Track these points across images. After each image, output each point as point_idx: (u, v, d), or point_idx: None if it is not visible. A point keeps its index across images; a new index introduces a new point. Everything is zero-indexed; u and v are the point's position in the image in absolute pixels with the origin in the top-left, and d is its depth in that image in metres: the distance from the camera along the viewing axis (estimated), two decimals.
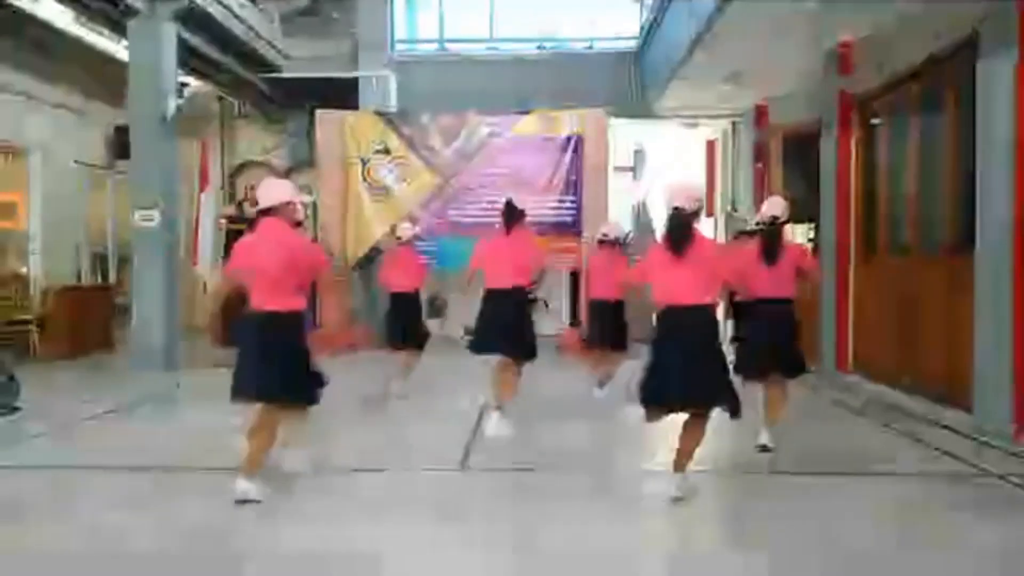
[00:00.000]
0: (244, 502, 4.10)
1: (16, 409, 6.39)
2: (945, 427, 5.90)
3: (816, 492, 4.46)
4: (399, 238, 7.49)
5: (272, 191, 4.34)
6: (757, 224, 5.52)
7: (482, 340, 5.92)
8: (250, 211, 4.15)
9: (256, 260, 4.21)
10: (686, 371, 4.09)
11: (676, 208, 4.23)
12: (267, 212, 4.27)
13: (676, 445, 4.27)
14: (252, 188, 11.40)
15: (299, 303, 4.25)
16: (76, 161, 11.29)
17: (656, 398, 4.20)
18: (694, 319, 4.14)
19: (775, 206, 5.37)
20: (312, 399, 4.40)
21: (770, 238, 5.25)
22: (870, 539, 3.71)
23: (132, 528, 3.88)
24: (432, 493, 4.46)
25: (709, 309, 4.20)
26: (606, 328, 7.10)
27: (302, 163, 13.15)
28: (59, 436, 5.82)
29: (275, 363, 4.17)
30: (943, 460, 5.10)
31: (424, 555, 3.57)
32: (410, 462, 5.07)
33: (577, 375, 7.74)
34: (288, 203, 4.33)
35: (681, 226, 4.20)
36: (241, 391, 4.22)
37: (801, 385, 7.68)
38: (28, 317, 9.43)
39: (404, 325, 7.28)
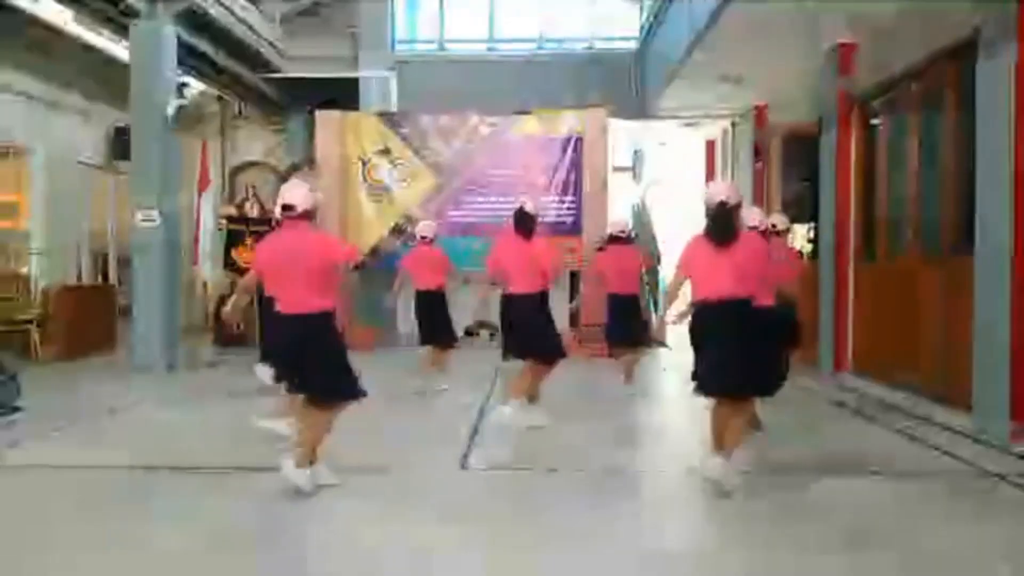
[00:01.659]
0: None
1: (17, 409, 6.39)
2: (944, 427, 5.91)
3: (815, 492, 4.46)
4: (424, 237, 7.51)
5: (306, 195, 4.33)
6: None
7: (514, 346, 6.00)
8: (277, 212, 4.21)
9: (291, 261, 4.22)
10: (725, 362, 4.21)
11: (721, 203, 4.29)
12: (301, 215, 4.28)
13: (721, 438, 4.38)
14: (255, 192, 11.46)
15: (330, 303, 4.31)
16: (77, 161, 11.31)
17: (706, 387, 4.37)
18: (737, 312, 4.22)
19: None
20: (352, 395, 4.37)
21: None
22: (869, 539, 3.72)
23: (132, 528, 3.89)
24: (432, 493, 4.47)
25: (751, 302, 4.26)
26: (626, 323, 7.18)
27: (302, 163, 13.16)
28: (60, 435, 5.83)
29: (314, 364, 4.26)
30: (942, 460, 5.10)
31: (424, 555, 3.57)
32: (411, 462, 5.07)
33: (579, 375, 7.74)
34: (315, 208, 4.41)
35: (729, 219, 4.28)
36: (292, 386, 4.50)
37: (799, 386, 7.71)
38: (29, 317, 9.44)
39: (429, 323, 7.36)
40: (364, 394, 4.36)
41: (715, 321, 4.27)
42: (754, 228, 5.32)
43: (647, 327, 7.43)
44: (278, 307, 4.30)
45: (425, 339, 7.49)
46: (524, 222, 5.89)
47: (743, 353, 4.23)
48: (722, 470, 4.27)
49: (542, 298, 5.91)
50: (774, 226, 5.96)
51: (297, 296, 4.22)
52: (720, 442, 4.39)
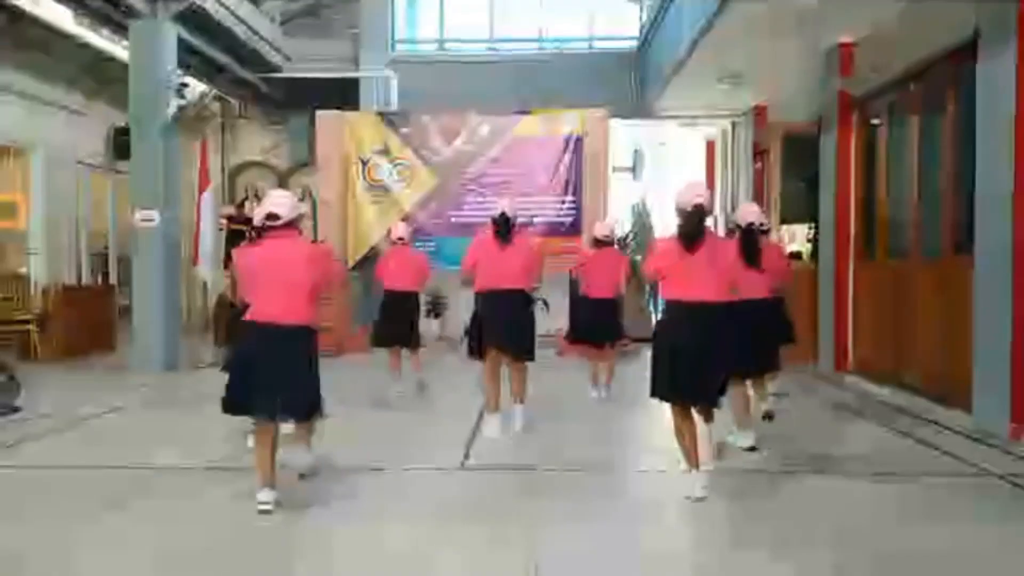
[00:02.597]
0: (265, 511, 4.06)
1: (16, 409, 6.39)
2: (945, 427, 5.91)
3: (816, 492, 4.46)
4: (400, 239, 7.48)
5: (292, 203, 4.29)
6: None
7: (484, 339, 5.79)
8: (258, 220, 4.08)
9: (275, 272, 4.13)
10: (699, 369, 4.18)
11: (698, 206, 4.26)
12: (287, 225, 4.21)
13: (693, 446, 4.33)
14: (256, 192, 11.44)
15: (314, 314, 4.24)
16: (77, 161, 11.30)
17: (668, 394, 4.31)
18: (713, 315, 4.22)
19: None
20: (311, 414, 4.33)
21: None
22: (870, 539, 3.72)
23: (132, 527, 3.89)
24: (432, 493, 4.46)
25: (724, 305, 4.27)
26: (601, 325, 7.12)
27: (302, 163, 13.16)
28: (60, 436, 5.82)
29: (292, 380, 4.10)
30: (943, 460, 5.10)
31: (424, 555, 3.57)
32: (410, 462, 5.06)
33: (576, 375, 7.74)
34: (299, 217, 4.33)
35: (701, 223, 4.27)
36: (242, 406, 4.10)
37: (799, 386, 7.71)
38: (28, 317, 9.43)
39: (395, 325, 7.19)
40: (317, 417, 4.34)
41: (683, 323, 4.25)
42: (750, 225, 5.29)
43: (622, 328, 7.36)
44: (252, 316, 4.12)
45: (382, 340, 7.30)
46: (504, 226, 5.80)
47: (715, 360, 4.21)
48: (706, 482, 4.27)
49: (524, 298, 5.85)
50: (761, 224, 5.98)
51: (278, 307, 4.09)
52: (695, 455, 4.32)
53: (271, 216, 4.17)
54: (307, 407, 4.23)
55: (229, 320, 5.57)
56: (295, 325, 4.12)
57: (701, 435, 4.36)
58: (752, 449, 5.21)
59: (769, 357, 5.61)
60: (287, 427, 4.44)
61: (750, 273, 5.04)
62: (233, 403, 4.08)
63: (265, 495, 4.06)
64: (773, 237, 9.73)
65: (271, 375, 4.03)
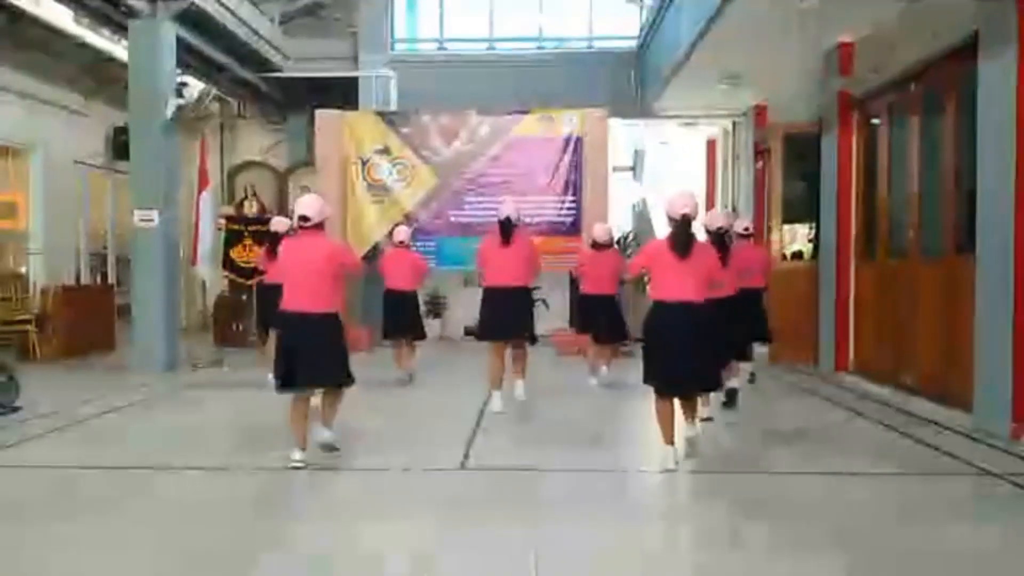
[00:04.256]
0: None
1: (16, 409, 6.39)
2: (945, 427, 5.91)
3: (816, 492, 4.46)
4: (401, 242, 8.02)
5: (320, 207, 4.90)
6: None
7: (490, 328, 6.48)
8: (287, 223, 4.59)
9: (304, 265, 4.74)
10: (686, 364, 4.64)
11: (685, 215, 4.64)
12: (316, 225, 4.82)
13: (670, 426, 4.83)
14: (255, 192, 11.49)
15: (336, 305, 4.82)
16: (76, 161, 11.29)
17: (665, 385, 4.78)
18: (698, 314, 4.63)
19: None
20: (346, 381, 4.89)
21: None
22: (870, 539, 3.71)
23: (133, 528, 3.89)
24: (432, 493, 4.46)
25: (704, 305, 4.68)
26: (604, 322, 7.55)
27: (302, 163, 13.15)
28: (60, 436, 5.82)
29: (323, 355, 4.72)
30: (943, 460, 5.10)
31: (424, 555, 3.56)
32: (410, 462, 5.06)
33: (576, 373, 7.75)
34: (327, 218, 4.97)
35: (689, 231, 4.67)
36: (292, 383, 4.74)
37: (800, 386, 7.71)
38: (27, 317, 9.43)
39: (400, 320, 7.86)
40: (350, 383, 4.88)
41: (672, 322, 4.65)
42: (719, 228, 5.77)
43: (624, 323, 7.83)
44: (284, 305, 4.74)
45: (390, 334, 8.00)
46: (507, 228, 6.41)
47: (698, 355, 4.64)
48: (692, 433, 4.92)
49: (526, 294, 6.59)
50: (747, 228, 7.07)
51: (305, 297, 4.69)
52: (671, 434, 4.79)
53: (303, 218, 4.80)
54: (335, 378, 4.81)
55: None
56: (319, 312, 4.71)
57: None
58: (709, 420, 5.81)
59: (735, 348, 6.03)
60: (315, 399, 4.93)
61: (721, 273, 5.35)
62: (284, 384, 4.76)
63: (297, 455, 4.68)
64: (775, 237, 9.82)
65: (305, 354, 4.66)
